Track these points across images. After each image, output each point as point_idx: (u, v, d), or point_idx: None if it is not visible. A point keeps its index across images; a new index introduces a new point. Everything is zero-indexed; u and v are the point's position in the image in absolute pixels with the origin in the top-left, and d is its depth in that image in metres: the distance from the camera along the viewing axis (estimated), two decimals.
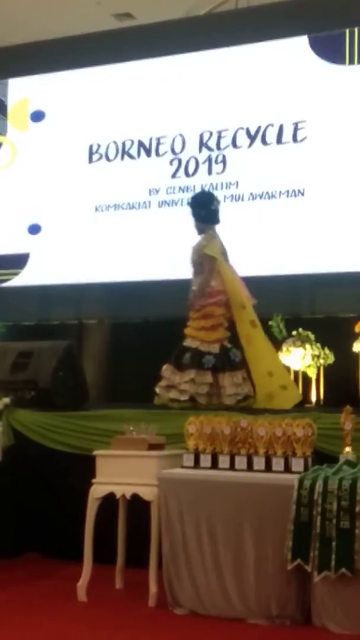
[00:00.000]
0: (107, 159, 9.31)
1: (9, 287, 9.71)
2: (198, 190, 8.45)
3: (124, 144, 9.23)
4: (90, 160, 9.41)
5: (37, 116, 9.73)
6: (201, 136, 8.86)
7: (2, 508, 5.80)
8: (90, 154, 9.40)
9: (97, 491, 4.91)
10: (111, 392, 8.81)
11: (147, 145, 9.13)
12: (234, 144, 8.74)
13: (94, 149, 9.39)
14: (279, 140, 8.56)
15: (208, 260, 6.58)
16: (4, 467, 5.82)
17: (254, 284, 6.99)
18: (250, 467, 4.69)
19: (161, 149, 9.06)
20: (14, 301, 9.62)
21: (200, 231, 6.74)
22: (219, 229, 6.72)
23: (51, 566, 5.54)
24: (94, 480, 4.95)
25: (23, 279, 9.68)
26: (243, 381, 6.40)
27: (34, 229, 9.66)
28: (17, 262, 9.73)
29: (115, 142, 9.26)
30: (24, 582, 5.23)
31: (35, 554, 5.80)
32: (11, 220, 9.74)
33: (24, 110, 9.80)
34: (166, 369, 6.44)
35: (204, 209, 6.75)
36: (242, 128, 8.70)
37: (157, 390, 6.41)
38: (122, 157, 9.24)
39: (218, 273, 6.56)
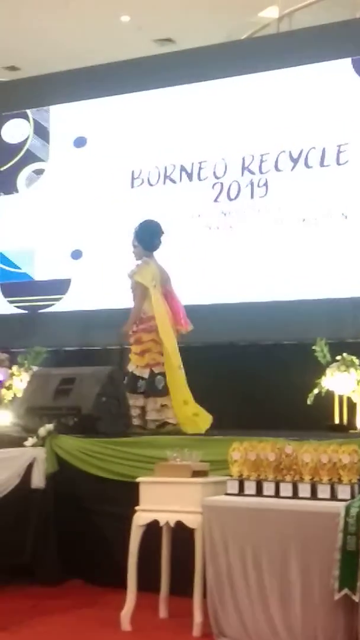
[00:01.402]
0: (149, 183, 9.33)
1: (51, 312, 9.75)
2: (242, 213, 8.46)
3: (165, 169, 9.24)
4: (132, 185, 9.43)
5: (79, 142, 9.79)
6: (243, 160, 8.84)
7: (45, 535, 5.78)
8: (132, 178, 9.43)
9: (141, 518, 4.87)
10: None
11: (188, 169, 9.13)
12: (276, 167, 8.71)
13: (136, 174, 9.41)
14: (322, 163, 8.51)
15: (139, 288, 6.92)
16: (47, 493, 5.81)
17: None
18: (295, 494, 4.61)
19: (203, 174, 9.05)
20: (56, 327, 9.65)
21: (139, 257, 7.04)
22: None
23: (94, 594, 5.50)
24: (137, 508, 4.90)
25: (65, 304, 9.72)
26: (161, 408, 6.73)
27: (76, 255, 9.70)
28: (59, 287, 9.77)
29: (157, 167, 9.28)
30: (68, 610, 5.18)
31: (79, 581, 5.76)
32: (53, 246, 9.79)
33: (66, 136, 9.87)
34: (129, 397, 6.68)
35: (156, 238, 7.09)
36: (284, 151, 8.67)
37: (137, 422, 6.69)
38: (164, 182, 9.25)
39: (150, 299, 6.84)
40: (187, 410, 6.81)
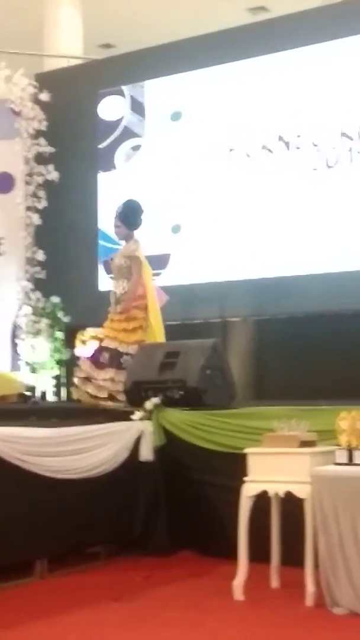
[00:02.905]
0: (247, 154, 9.26)
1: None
2: (340, 181, 8.32)
3: (263, 139, 9.14)
4: (229, 157, 9.37)
5: (175, 116, 9.76)
6: (341, 127, 8.68)
7: (155, 507, 5.84)
8: (229, 150, 9.37)
9: (250, 489, 4.87)
10: (257, 389, 8.76)
11: (286, 139, 9.00)
12: None
13: (233, 145, 9.34)
14: None
15: (137, 264, 7.11)
16: (155, 466, 5.87)
17: None
18: None
19: (301, 142, 8.93)
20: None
21: (124, 237, 7.31)
22: None
23: (205, 564, 5.54)
24: (245, 479, 4.90)
25: (165, 279, 9.73)
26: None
27: (175, 229, 9.71)
28: (159, 262, 9.79)
29: (254, 138, 9.18)
30: (180, 580, 5.23)
31: (189, 552, 5.81)
32: (152, 221, 9.81)
33: (161, 111, 9.86)
34: (84, 362, 6.89)
35: (138, 217, 7.40)
36: None
37: (75, 381, 6.90)
38: (262, 152, 9.17)
39: (141, 278, 7.09)
40: None
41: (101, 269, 10.07)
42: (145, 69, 9.95)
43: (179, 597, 4.87)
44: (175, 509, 5.90)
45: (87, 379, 6.90)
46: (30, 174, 10.15)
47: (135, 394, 6.34)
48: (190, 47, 9.72)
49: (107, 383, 6.84)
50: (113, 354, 6.90)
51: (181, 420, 5.97)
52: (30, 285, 9.89)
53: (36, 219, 10.11)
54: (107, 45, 13.13)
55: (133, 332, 6.98)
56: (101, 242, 10.12)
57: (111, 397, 6.81)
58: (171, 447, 5.96)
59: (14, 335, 9.77)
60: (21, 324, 9.79)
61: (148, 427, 5.92)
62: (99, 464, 5.53)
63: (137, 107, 10.01)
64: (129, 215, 7.31)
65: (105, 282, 10.00)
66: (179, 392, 6.17)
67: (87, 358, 6.99)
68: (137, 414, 6.00)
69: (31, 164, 10.16)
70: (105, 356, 6.88)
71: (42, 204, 10.16)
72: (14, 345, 9.74)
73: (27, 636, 4.20)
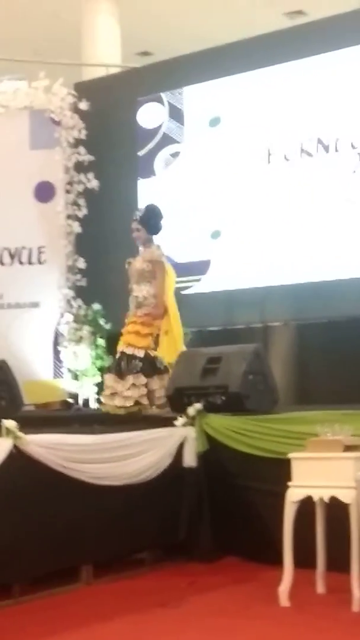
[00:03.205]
0: (286, 158, 9.24)
1: (192, 293, 9.80)
2: None
3: (301, 143, 9.12)
4: (269, 161, 9.36)
5: (214, 121, 9.78)
6: None
7: (199, 513, 5.84)
8: (268, 154, 9.36)
9: (294, 495, 4.85)
10: (299, 394, 8.73)
11: (325, 142, 8.97)
12: None
13: (272, 149, 9.33)
14: None
15: (161, 270, 7.09)
16: (199, 472, 5.87)
17: None
18: None
19: (340, 145, 8.90)
20: (198, 307, 9.69)
21: (144, 241, 7.23)
22: None
23: (250, 570, 5.52)
24: (290, 484, 4.88)
25: (205, 285, 9.75)
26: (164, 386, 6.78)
27: (215, 235, 9.72)
28: (199, 268, 9.80)
29: (293, 141, 9.17)
30: (225, 586, 5.22)
31: (234, 558, 5.80)
32: (192, 227, 9.83)
33: (200, 117, 9.88)
34: (108, 378, 6.90)
35: (159, 222, 7.32)
36: None
37: (102, 399, 6.91)
38: (301, 156, 9.14)
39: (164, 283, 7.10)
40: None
41: None
42: (184, 75, 9.98)
43: (224, 603, 4.86)
44: (219, 515, 5.89)
45: (114, 394, 6.90)
46: (70, 183, 10.21)
47: (178, 400, 6.35)
48: (228, 52, 9.73)
49: (130, 392, 6.84)
50: (127, 358, 6.93)
51: (224, 425, 5.96)
52: (71, 293, 9.94)
53: (77, 227, 10.17)
54: (145, 53, 13.19)
55: (144, 337, 6.99)
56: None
57: (137, 403, 6.82)
58: (214, 452, 5.95)
59: (56, 343, 9.83)
60: (63, 332, 9.85)
61: (191, 433, 5.92)
62: (142, 471, 5.54)
63: (176, 114, 10.03)
64: (151, 220, 7.28)
65: None
66: (221, 398, 6.16)
67: (110, 372, 7.01)
68: (180, 420, 6.00)
69: (71, 172, 10.22)
70: (123, 364, 6.89)
71: (83, 212, 10.21)
72: (57, 353, 9.80)
73: None
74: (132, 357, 6.90)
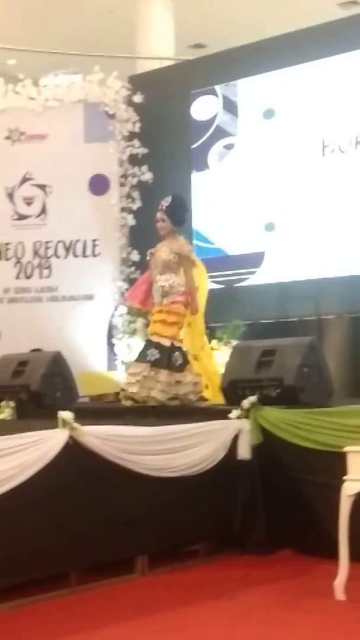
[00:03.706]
0: (340, 150, 9.18)
1: (246, 286, 9.80)
2: None
3: (357, 134, 9.05)
4: (323, 153, 9.31)
5: (268, 114, 9.76)
6: None
7: (253, 505, 5.84)
8: (323, 146, 9.30)
9: (350, 488, 4.82)
10: (354, 386, 8.67)
11: None
12: None
13: (327, 141, 9.28)
14: None
15: (189, 262, 6.98)
16: (253, 464, 5.86)
17: None
18: None
19: None
20: (252, 300, 9.70)
21: (168, 232, 7.03)
22: None
23: (304, 563, 5.50)
24: (345, 477, 4.86)
25: (259, 277, 9.74)
26: (175, 384, 6.72)
27: (269, 227, 9.70)
28: (254, 261, 9.80)
29: (348, 133, 9.10)
30: (280, 579, 5.21)
31: (288, 551, 5.78)
32: (246, 220, 9.82)
33: (254, 109, 9.85)
34: (136, 366, 6.80)
35: (186, 214, 7.26)
36: None
37: (131, 388, 6.74)
38: (356, 147, 9.07)
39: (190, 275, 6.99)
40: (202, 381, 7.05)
41: None
42: (237, 67, 9.97)
43: (279, 596, 4.86)
44: (274, 508, 5.88)
45: (147, 379, 6.84)
46: (124, 176, 10.27)
47: (232, 393, 6.35)
48: (282, 44, 9.69)
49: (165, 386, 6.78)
50: (168, 351, 6.81)
51: (279, 418, 5.94)
52: (125, 286, 9.99)
53: (130, 220, 10.23)
54: (199, 46, 13.18)
55: (170, 326, 6.87)
56: (196, 242, 10.15)
57: (174, 399, 6.79)
58: (268, 445, 5.94)
59: (111, 335, 9.89)
60: (117, 324, 9.91)
61: (245, 425, 5.91)
62: (197, 463, 5.55)
63: (230, 106, 10.02)
64: (177, 211, 7.10)
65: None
66: (276, 391, 6.13)
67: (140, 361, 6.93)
68: (235, 413, 6.00)
69: (125, 165, 10.28)
70: (153, 353, 6.84)
71: (136, 205, 10.26)
72: (111, 345, 9.87)
73: (130, 633, 4.25)
74: (168, 348, 6.79)
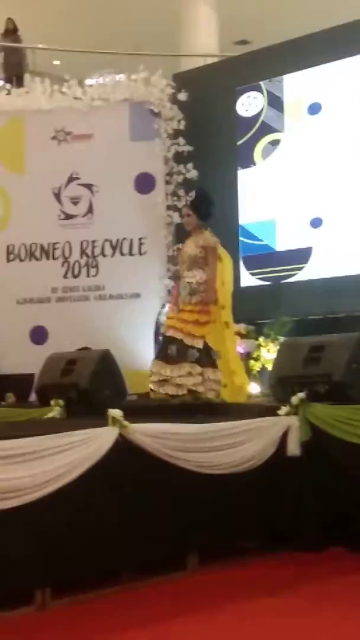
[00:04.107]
0: None
1: (293, 282, 9.77)
2: None
3: None
4: None
5: (314, 109, 9.70)
6: None
7: (303, 502, 5.81)
8: None
9: None
10: None
11: None
12: None
13: None
14: None
15: (214, 256, 6.80)
16: (302, 461, 5.83)
17: None
18: None
19: None
20: (299, 296, 9.66)
21: (194, 227, 6.90)
22: None
23: (356, 561, 5.45)
24: None
25: (307, 273, 9.70)
26: (219, 378, 6.74)
27: (316, 223, 9.64)
28: (301, 257, 9.76)
29: None
30: (332, 577, 5.16)
31: (339, 549, 5.74)
32: (293, 216, 9.78)
33: (300, 104, 9.80)
34: (155, 364, 6.68)
35: (211, 208, 6.99)
36: None
37: (152, 386, 6.66)
38: None
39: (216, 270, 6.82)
40: (235, 380, 7.15)
41: (242, 266, 10.11)
42: (283, 63, 9.94)
43: (332, 593, 4.82)
44: (324, 505, 5.84)
45: (164, 381, 6.78)
46: (170, 174, 10.28)
47: (281, 389, 6.32)
48: (327, 38, 9.65)
49: (183, 379, 6.73)
50: (180, 346, 6.74)
51: (328, 414, 5.90)
52: (172, 284, 9.99)
53: (177, 218, 10.23)
54: (243, 42, 13.17)
55: (203, 325, 6.79)
56: (242, 239, 10.16)
57: (190, 392, 6.72)
58: (318, 441, 5.89)
59: (158, 333, 9.90)
60: (164, 322, 9.92)
61: (294, 422, 5.88)
62: (247, 459, 5.54)
63: (275, 102, 9.99)
64: (202, 205, 7.02)
65: (246, 279, 10.06)
66: (324, 387, 6.10)
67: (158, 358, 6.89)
68: (283, 409, 5.97)
69: (171, 163, 10.29)
70: (173, 349, 6.74)
71: (182, 203, 10.24)
72: (158, 343, 9.87)
73: (184, 629, 4.26)
74: (187, 346, 6.73)
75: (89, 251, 10.31)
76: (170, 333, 6.87)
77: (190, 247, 6.90)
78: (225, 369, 7.15)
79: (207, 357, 6.77)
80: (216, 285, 6.95)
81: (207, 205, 7.05)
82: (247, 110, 10.23)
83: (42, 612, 4.53)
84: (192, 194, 7.08)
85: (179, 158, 10.31)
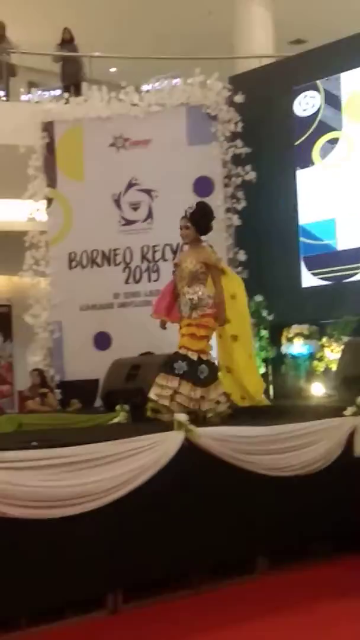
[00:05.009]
0: None
1: (356, 281, 9.67)
2: None
3: None
4: None
5: None
6: None
7: None
8: None
9: None
10: None
11: None
12: None
13: None
14: None
15: (218, 271, 6.52)
16: None
17: None
18: None
19: None
20: None
21: (192, 240, 6.55)
22: None
23: None
24: None
25: None
26: (199, 399, 6.24)
27: None
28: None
29: None
30: None
31: None
32: (354, 214, 9.70)
33: (358, 102, 9.72)
34: (162, 378, 6.29)
35: (211, 223, 6.63)
36: None
37: (167, 403, 6.21)
38: None
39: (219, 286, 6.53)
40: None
41: (303, 266, 10.06)
42: (339, 61, 9.87)
43: None
44: None
45: (175, 394, 6.29)
46: (228, 176, 10.29)
47: (346, 389, 6.29)
48: None
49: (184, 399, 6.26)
50: (173, 358, 6.39)
51: None
52: None
53: (236, 220, 10.24)
54: (299, 41, 13.11)
55: (200, 339, 6.42)
56: (302, 239, 10.10)
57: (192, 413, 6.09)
58: None
59: None
60: None
61: None
62: (314, 461, 5.51)
63: (333, 100, 9.92)
64: (202, 219, 6.60)
65: (308, 279, 10.00)
66: None
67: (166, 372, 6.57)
68: (349, 410, 5.92)
69: (229, 166, 10.30)
70: (182, 365, 6.29)
71: (241, 205, 10.27)
72: None
73: (252, 635, 4.26)
74: (192, 361, 6.33)
75: (149, 256, 10.36)
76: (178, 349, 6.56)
77: (190, 263, 6.56)
78: (236, 383, 7.14)
79: (193, 373, 6.31)
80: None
81: (208, 219, 6.68)
82: (304, 110, 10.18)
83: (113, 616, 4.57)
84: (192, 206, 6.81)
85: (237, 160, 10.30)
